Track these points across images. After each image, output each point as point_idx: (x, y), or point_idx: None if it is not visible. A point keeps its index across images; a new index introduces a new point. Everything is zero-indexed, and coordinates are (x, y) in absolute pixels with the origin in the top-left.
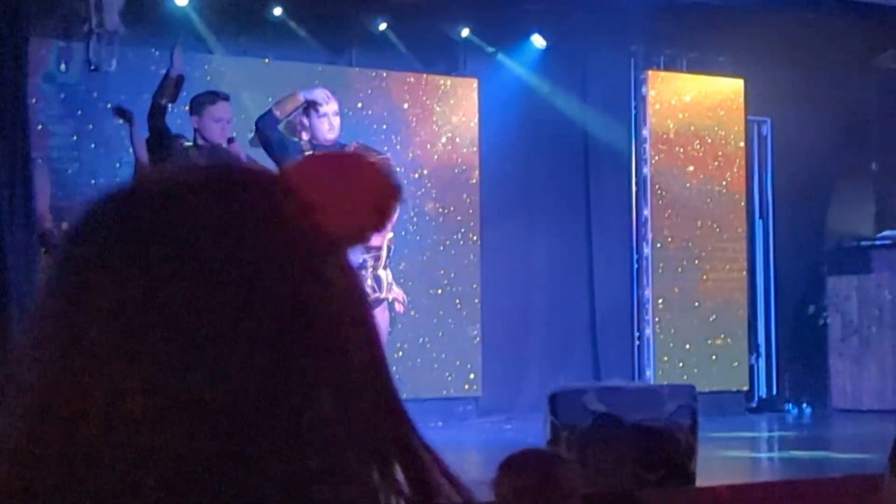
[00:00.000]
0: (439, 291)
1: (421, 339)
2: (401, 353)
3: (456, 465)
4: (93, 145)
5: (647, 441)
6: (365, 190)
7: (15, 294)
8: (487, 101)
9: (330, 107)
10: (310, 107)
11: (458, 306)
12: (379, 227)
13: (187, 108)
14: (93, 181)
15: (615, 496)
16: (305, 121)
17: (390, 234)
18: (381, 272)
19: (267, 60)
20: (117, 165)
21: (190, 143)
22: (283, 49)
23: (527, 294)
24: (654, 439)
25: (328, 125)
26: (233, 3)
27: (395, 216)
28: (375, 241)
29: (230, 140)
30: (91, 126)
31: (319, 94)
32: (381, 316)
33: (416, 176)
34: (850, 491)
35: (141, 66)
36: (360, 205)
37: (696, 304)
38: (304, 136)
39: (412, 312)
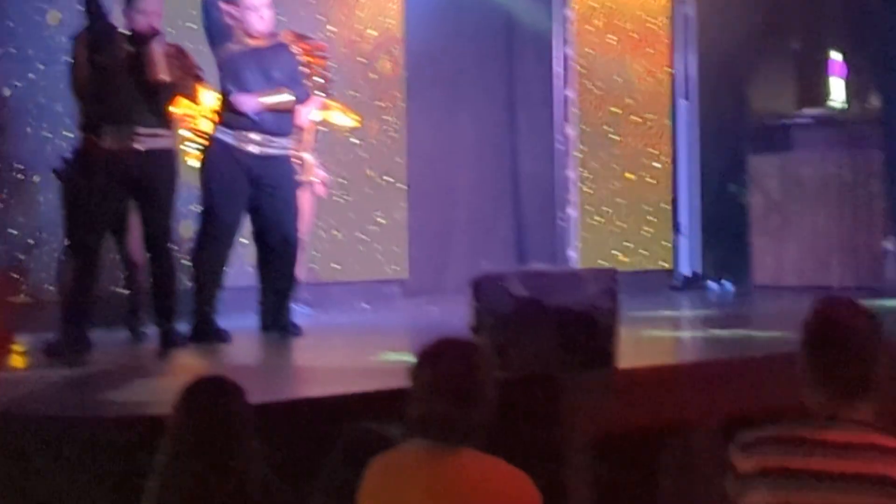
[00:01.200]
0: (365, 174)
1: (347, 223)
2: (328, 236)
3: (382, 346)
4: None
5: (569, 325)
6: None
7: None
8: None
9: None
10: (238, 1)
11: (384, 190)
12: None
13: None
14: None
15: (537, 380)
16: (236, 14)
17: (317, 118)
18: (305, 154)
19: None
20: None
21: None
22: None
23: (451, 176)
24: (576, 323)
25: (257, 18)
26: None
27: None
28: (299, 121)
29: (153, 33)
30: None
31: None
32: (304, 199)
33: (341, 58)
34: (770, 370)
35: None
36: None
37: (620, 184)
38: (238, 32)
39: (338, 196)
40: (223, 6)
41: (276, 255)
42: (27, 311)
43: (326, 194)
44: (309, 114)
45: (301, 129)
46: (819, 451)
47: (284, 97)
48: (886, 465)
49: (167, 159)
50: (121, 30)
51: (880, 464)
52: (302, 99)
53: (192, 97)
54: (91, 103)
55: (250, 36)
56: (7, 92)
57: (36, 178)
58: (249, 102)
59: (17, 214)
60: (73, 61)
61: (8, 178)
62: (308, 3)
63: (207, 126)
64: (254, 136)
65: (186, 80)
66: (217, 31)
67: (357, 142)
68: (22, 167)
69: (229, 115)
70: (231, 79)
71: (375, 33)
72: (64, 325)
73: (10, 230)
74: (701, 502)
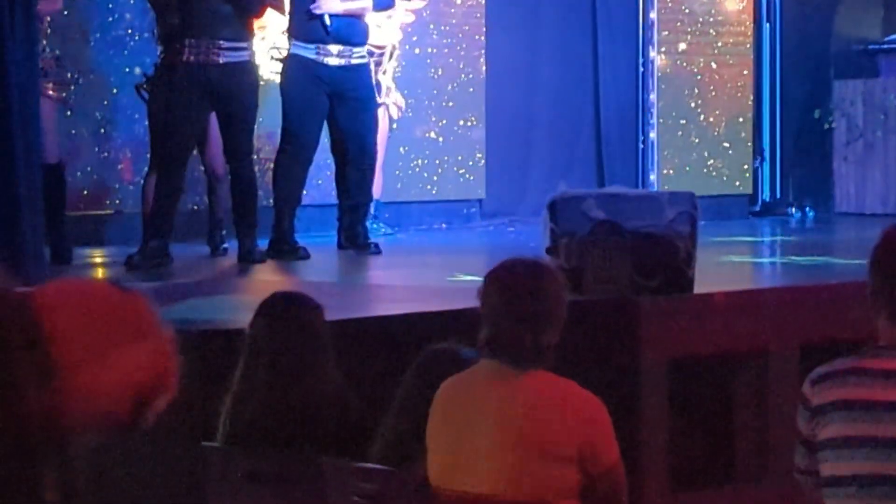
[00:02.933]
0: (444, 95)
1: (426, 141)
2: (405, 154)
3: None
4: None
5: (646, 248)
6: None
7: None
8: None
9: None
10: None
11: (464, 110)
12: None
13: None
14: None
15: (613, 303)
16: None
17: (396, 41)
18: (381, 77)
19: None
20: None
21: None
22: None
23: (531, 97)
24: (653, 246)
25: None
26: None
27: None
28: (379, 41)
29: None
30: None
31: None
32: (381, 121)
33: None
34: (848, 297)
35: None
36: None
37: (702, 108)
38: None
39: (418, 114)
40: None
41: (354, 165)
42: (112, 222)
43: (400, 116)
44: (388, 32)
45: (381, 50)
46: (886, 380)
47: (363, 2)
48: None
49: (247, 72)
50: None
51: None
52: (381, 5)
53: (279, 7)
54: (171, 15)
55: None
56: None
57: (114, 91)
58: (329, 3)
59: (103, 127)
60: None
61: (88, 87)
62: None
63: (284, 42)
64: (333, 47)
65: None
66: None
67: (435, 60)
68: (110, 80)
69: (306, 27)
70: None
71: None
72: (146, 237)
73: (97, 145)
74: (775, 429)
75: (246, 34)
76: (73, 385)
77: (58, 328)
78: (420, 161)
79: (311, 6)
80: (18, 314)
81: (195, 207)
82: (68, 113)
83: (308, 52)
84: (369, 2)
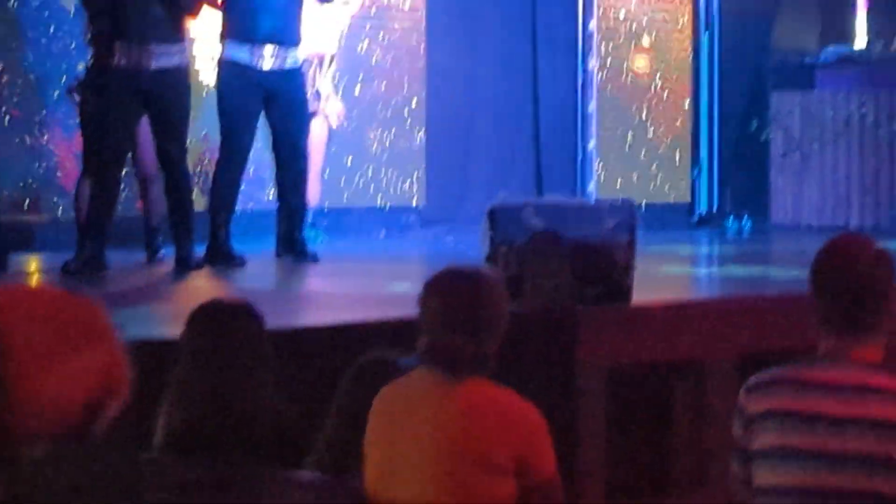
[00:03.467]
0: (383, 102)
1: (364, 150)
2: (345, 162)
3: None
4: None
5: (585, 257)
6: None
7: None
8: None
9: None
10: None
11: (403, 117)
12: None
13: None
14: None
15: (551, 312)
16: None
17: (334, 45)
18: (319, 84)
19: None
20: None
21: None
22: None
23: (471, 105)
24: (592, 255)
25: None
26: None
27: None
28: (317, 50)
29: None
30: None
31: None
32: (319, 128)
33: None
34: (785, 308)
35: None
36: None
37: (640, 117)
38: None
39: (357, 122)
40: None
41: (286, 168)
42: (44, 229)
43: (339, 124)
44: (326, 39)
45: (320, 57)
46: (825, 393)
47: None
48: (891, 407)
49: (180, 75)
50: None
51: (887, 406)
52: None
53: (213, 3)
54: (103, 18)
55: None
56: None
57: (55, 94)
58: None
59: (38, 132)
60: None
61: (25, 94)
62: None
63: (218, 46)
64: (267, 48)
65: None
66: None
67: (375, 67)
68: (44, 83)
69: (240, 26)
70: None
71: None
72: (81, 244)
73: (30, 146)
74: (713, 438)
75: (179, 37)
76: (25, 392)
77: (8, 334)
78: (359, 169)
79: None
80: None
81: (131, 212)
82: (6, 118)
83: (242, 52)
84: None
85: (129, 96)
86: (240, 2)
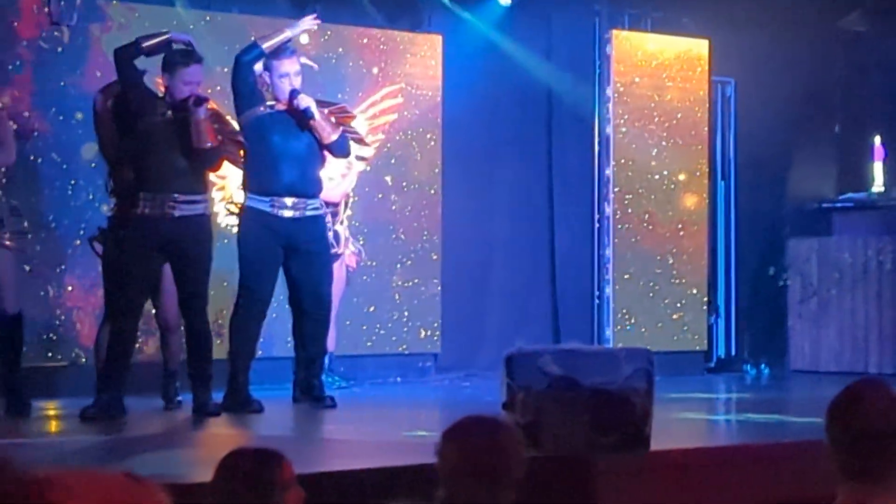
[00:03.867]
0: (399, 248)
1: (381, 295)
2: (360, 309)
3: (415, 422)
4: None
5: (603, 404)
6: None
7: None
8: (451, 58)
9: (292, 66)
10: (271, 67)
11: (419, 262)
12: None
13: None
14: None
15: (569, 460)
16: (267, 79)
17: (350, 191)
18: (338, 227)
19: (231, 14)
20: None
21: (161, 96)
22: (247, 3)
23: (487, 251)
24: (610, 403)
25: (289, 84)
26: None
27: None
28: (333, 197)
29: (199, 101)
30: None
31: (306, 22)
32: (337, 271)
33: (378, 133)
34: (803, 456)
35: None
36: None
37: (657, 264)
38: (268, 95)
39: (371, 265)
40: (258, 71)
41: (309, 317)
42: (67, 374)
43: (356, 269)
44: (343, 186)
45: (335, 203)
46: None
47: (331, 128)
48: None
49: (202, 225)
50: (160, 95)
51: None
52: (339, 149)
53: (235, 161)
54: (126, 169)
55: (278, 101)
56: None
57: (77, 242)
58: (307, 100)
59: (60, 279)
60: (98, 122)
61: (47, 245)
62: (340, 72)
63: (240, 196)
64: (288, 200)
65: (228, 144)
66: (249, 95)
67: (391, 213)
68: (66, 231)
69: (261, 180)
70: (256, 140)
71: (412, 104)
72: (100, 390)
73: (51, 296)
74: None
75: (202, 187)
76: None
77: None
78: (375, 314)
79: (294, 101)
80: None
81: (149, 359)
82: (27, 269)
83: (263, 204)
84: (335, 135)
85: (151, 245)
86: (261, 155)
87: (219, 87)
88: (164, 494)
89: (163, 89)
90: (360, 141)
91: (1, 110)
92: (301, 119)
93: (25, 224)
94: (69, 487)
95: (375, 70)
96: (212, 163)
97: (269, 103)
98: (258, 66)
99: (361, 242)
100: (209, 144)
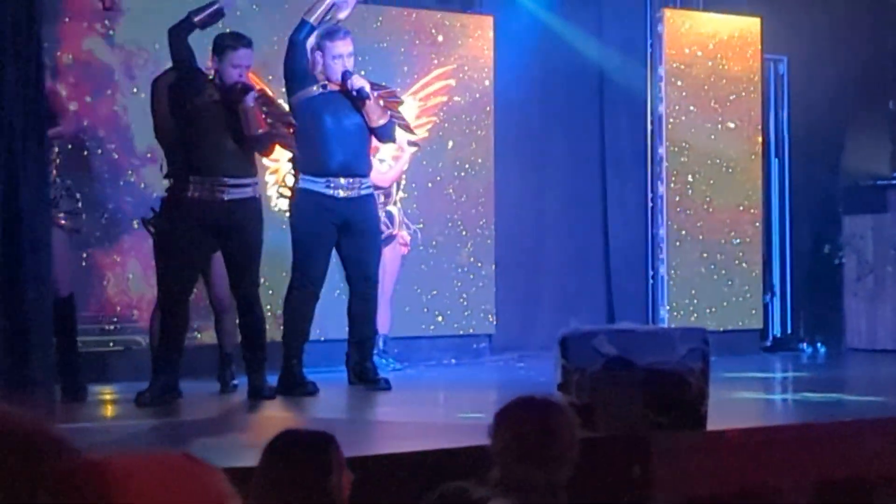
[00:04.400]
0: (453, 229)
1: (435, 277)
2: (415, 290)
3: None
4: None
5: (658, 384)
6: None
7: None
8: (502, 39)
9: (346, 48)
10: (324, 48)
11: (473, 244)
12: None
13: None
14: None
15: (625, 439)
16: (319, 59)
17: (403, 175)
18: (391, 208)
19: (287, 6)
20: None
21: (211, 78)
22: None
23: (541, 232)
24: (665, 382)
25: (342, 65)
26: None
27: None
28: (384, 181)
29: (245, 89)
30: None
31: None
32: (391, 252)
33: (430, 114)
34: (860, 435)
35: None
36: None
37: (711, 242)
38: (320, 76)
39: (427, 249)
40: (310, 51)
41: (358, 295)
42: (121, 358)
43: (407, 251)
44: (394, 170)
45: (386, 186)
46: None
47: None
48: None
49: (252, 208)
50: (210, 77)
51: None
52: (385, 134)
53: (287, 144)
54: (177, 152)
55: (330, 81)
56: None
57: (135, 225)
58: (361, 80)
59: (114, 261)
60: (155, 106)
61: (106, 229)
62: (392, 54)
63: (291, 178)
64: (343, 180)
65: (278, 127)
66: (302, 75)
67: (444, 196)
68: (120, 213)
69: (315, 162)
70: (308, 120)
71: (464, 86)
72: (155, 374)
73: (108, 279)
74: None
75: (251, 170)
76: None
77: (130, 501)
78: (429, 296)
79: (348, 81)
80: (91, 486)
81: (204, 342)
82: (84, 255)
83: (318, 185)
84: (383, 119)
85: (201, 228)
86: (313, 136)
87: (268, 70)
88: (222, 475)
89: (213, 72)
90: (407, 128)
91: (55, 85)
92: (353, 99)
93: (79, 204)
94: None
95: (426, 52)
96: (264, 147)
97: (322, 83)
98: (310, 41)
99: (420, 226)
100: (260, 131)
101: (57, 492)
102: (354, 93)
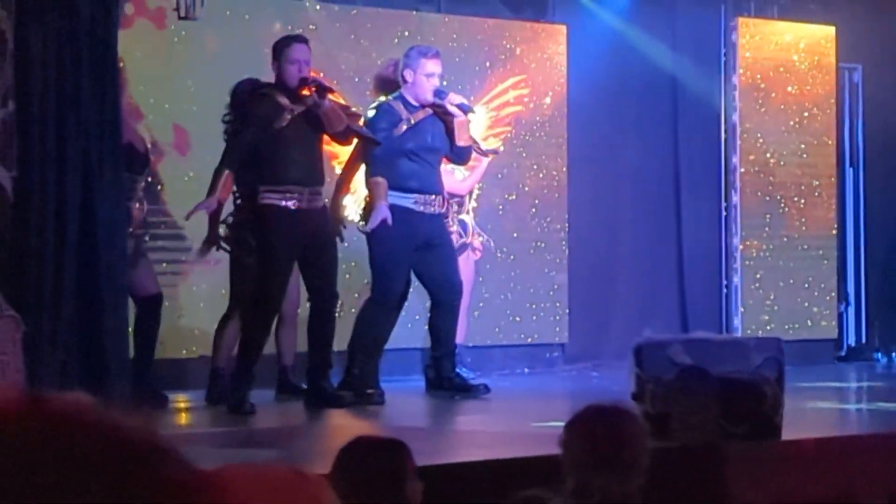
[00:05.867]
0: (526, 238)
1: (508, 286)
2: (488, 298)
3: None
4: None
5: (733, 394)
6: None
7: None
8: (576, 49)
9: (437, 67)
10: (417, 66)
11: (545, 253)
12: None
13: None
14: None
15: (700, 449)
16: (409, 76)
17: (477, 185)
18: (465, 216)
19: (355, 11)
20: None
21: (270, 87)
22: None
23: (614, 240)
24: (740, 392)
25: (433, 84)
26: None
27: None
28: (460, 190)
29: (321, 92)
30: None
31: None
32: (466, 261)
33: (504, 124)
34: None
35: (227, 15)
36: None
37: (785, 252)
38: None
39: (500, 258)
40: (400, 70)
41: (445, 306)
42: (193, 368)
43: (480, 258)
44: (471, 179)
45: (463, 194)
46: None
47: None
48: None
49: (327, 216)
50: (281, 97)
51: None
52: (460, 158)
53: (361, 133)
54: (254, 164)
55: (417, 100)
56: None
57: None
58: (459, 97)
59: (186, 271)
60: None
61: (172, 240)
62: (466, 63)
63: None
64: (430, 197)
65: (351, 120)
66: (390, 121)
67: (518, 205)
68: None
69: (405, 179)
70: (395, 142)
71: (537, 95)
72: (237, 385)
73: (177, 290)
74: None
75: (323, 179)
76: None
77: None
78: (503, 305)
79: (443, 98)
80: (205, 498)
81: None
82: (164, 264)
83: (406, 201)
84: (468, 142)
85: (302, 237)
86: (398, 152)
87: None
88: (328, 487)
89: (274, 77)
90: (480, 151)
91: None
92: (438, 122)
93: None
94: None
95: (500, 61)
96: (346, 138)
97: (407, 118)
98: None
99: (486, 239)
100: (342, 127)
101: None
102: (456, 107)
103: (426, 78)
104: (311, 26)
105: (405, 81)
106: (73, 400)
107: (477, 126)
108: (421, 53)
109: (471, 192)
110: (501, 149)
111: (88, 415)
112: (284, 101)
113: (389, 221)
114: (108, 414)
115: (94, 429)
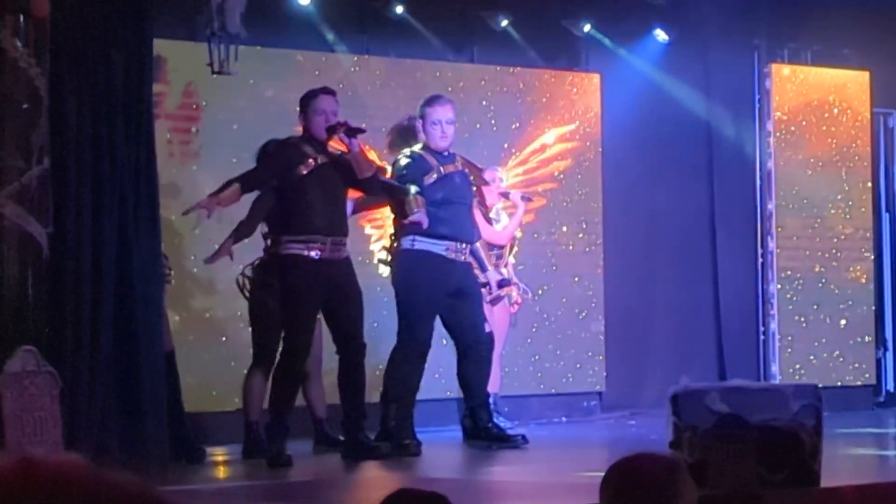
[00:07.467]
0: (562, 285)
1: (545, 335)
2: (525, 349)
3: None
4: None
5: (771, 441)
6: None
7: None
8: (610, 96)
9: (444, 114)
10: (425, 114)
11: (582, 301)
12: None
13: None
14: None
15: (739, 497)
16: (420, 126)
17: (517, 235)
18: (503, 269)
19: (387, 57)
20: (234, 160)
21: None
22: (405, 47)
23: (650, 289)
24: (778, 439)
25: (440, 133)
26: (354, 1)
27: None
28: (500, 240)
29: (350, 132)
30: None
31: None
32: (501, 312)
33: (537, 173)
34: None
35: (262, 67)
36: None
37: (822, 298)
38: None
39: (535, 304)
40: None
41: (473, 355)
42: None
43: (517, 310)
44: (511, 226)
45: (501, 245)
46: None
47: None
48: None
49: (352, 265)
50: (306, 146)
51: None
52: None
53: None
54: (280, 213)
55: (429, 146)
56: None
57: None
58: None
59: (212, 322)
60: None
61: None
62: (501, 113)
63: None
64: (461, 245)
65: (375, 170)
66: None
67: (554, 253)
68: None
69: (440, 226)
70: (428, 190)
71: (573, 143)
72: (273, 437)
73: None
74: None
75: (347, 229)
76: None
77: None
78: (539, 354)
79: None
80: None
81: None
82: (177, 317)
83: (437, 248)
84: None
85: (326, 286)
86: (432, 207)
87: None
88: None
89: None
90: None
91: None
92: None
93: (170, 272)
94: None
95: (534, 110)
96: (374, 186)
97: (437, 167)
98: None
99: (523, 290)
100: (370, 172)
101: None
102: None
103: (432, 126)
104: (340, 82)
105: (418, 132)
106: (66, 461)
107: (509, 175)
108: (428, 102)
109: (511, 246)
110: (536, 194)
111: (81, 475)
112: (309, 150)
113: (425, 225)
114: (100, 474)
115: (85, 490)
